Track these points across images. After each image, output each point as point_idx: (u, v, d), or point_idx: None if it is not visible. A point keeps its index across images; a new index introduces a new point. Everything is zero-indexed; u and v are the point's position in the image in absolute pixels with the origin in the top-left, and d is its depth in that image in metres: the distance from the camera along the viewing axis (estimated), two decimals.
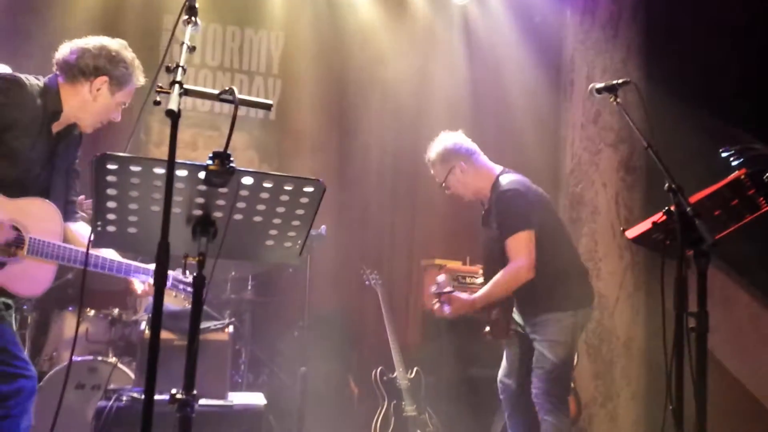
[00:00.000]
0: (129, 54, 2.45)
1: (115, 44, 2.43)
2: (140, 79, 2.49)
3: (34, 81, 2.38)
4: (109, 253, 2.43)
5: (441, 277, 3.21)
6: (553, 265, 3.11)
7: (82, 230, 2.57)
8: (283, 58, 5.46)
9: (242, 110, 3.90)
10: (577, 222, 4.75)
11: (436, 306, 3.16)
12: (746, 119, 4.88)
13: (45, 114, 2.36)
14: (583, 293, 3.24)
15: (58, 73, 2.41)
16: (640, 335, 4.57)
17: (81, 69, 2.37)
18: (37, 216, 2.33)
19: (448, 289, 3.13)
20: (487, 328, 3.22)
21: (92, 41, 2.42)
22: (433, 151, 3.34)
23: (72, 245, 2.39)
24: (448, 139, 3.35)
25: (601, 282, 4.60)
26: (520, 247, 3.04)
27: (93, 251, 2.36)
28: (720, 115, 5.09)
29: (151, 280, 2.42)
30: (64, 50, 2.41)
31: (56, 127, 2.43)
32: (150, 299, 3.86)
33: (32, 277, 2.33)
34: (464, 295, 3.16)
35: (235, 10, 5.38)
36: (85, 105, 2.42)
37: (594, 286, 4.53)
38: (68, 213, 2.51)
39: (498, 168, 3.33)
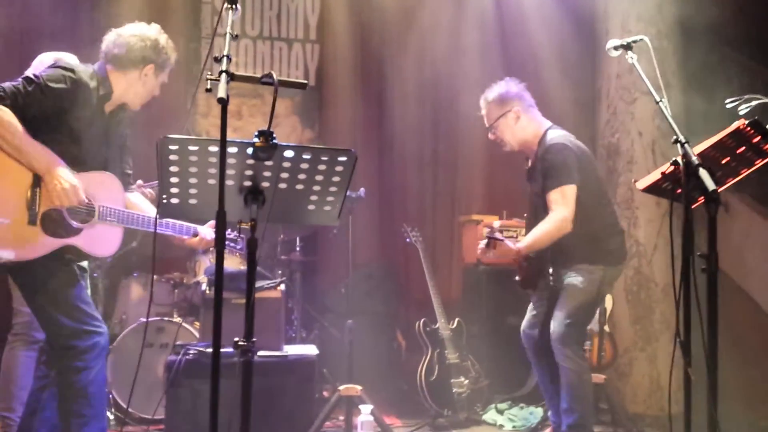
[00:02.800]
0: (164, 38, 2.76)
1: (153, 32, 2.74)
2: (173, 57, 2.80)
3: (84, 68, 2.66)
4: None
5: (496, 223, 3.31)
6: (592, 221, 3.18)
7: (136, 199, 2.90)
8: (320, 23, 5.60)
9: (285, 76, 4.10)
10: (614, 172, 4.80)
11: (481, 248, 3.19)
12: None
13: (98, 96, 2.65)
14: (618, 252, 3.30)
15: (105, 61, 2.70)
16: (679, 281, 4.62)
17: (131, 60, 2.68)
18: (102, 187, 2.63)
19: (498, 235, 3.19)
20: (517, 277, 3.38)
21: (134, 32, 2.70)
22: (495, 91, 3.36)
23: (133, 210, 2.72)
24: (512, 84, 3.38)
25: (638, 230, 4.68)
26: (562, 199, 3.11)
27: (145, 214, 2.72)
28: (758, 57, 5.01)
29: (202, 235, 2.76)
30: (110, 43, 2.71)
31: (108, 107, 2.72)
32: (208, 263, 4.16)
33: (105, 240, 2.66)
34: (510, 243, 3.21)
35: None
36: (135, 88, 2.74)
37: (633, 235, 4.64)
38: (124, 184, 2.79)
39: (547, 123, 3.36)
